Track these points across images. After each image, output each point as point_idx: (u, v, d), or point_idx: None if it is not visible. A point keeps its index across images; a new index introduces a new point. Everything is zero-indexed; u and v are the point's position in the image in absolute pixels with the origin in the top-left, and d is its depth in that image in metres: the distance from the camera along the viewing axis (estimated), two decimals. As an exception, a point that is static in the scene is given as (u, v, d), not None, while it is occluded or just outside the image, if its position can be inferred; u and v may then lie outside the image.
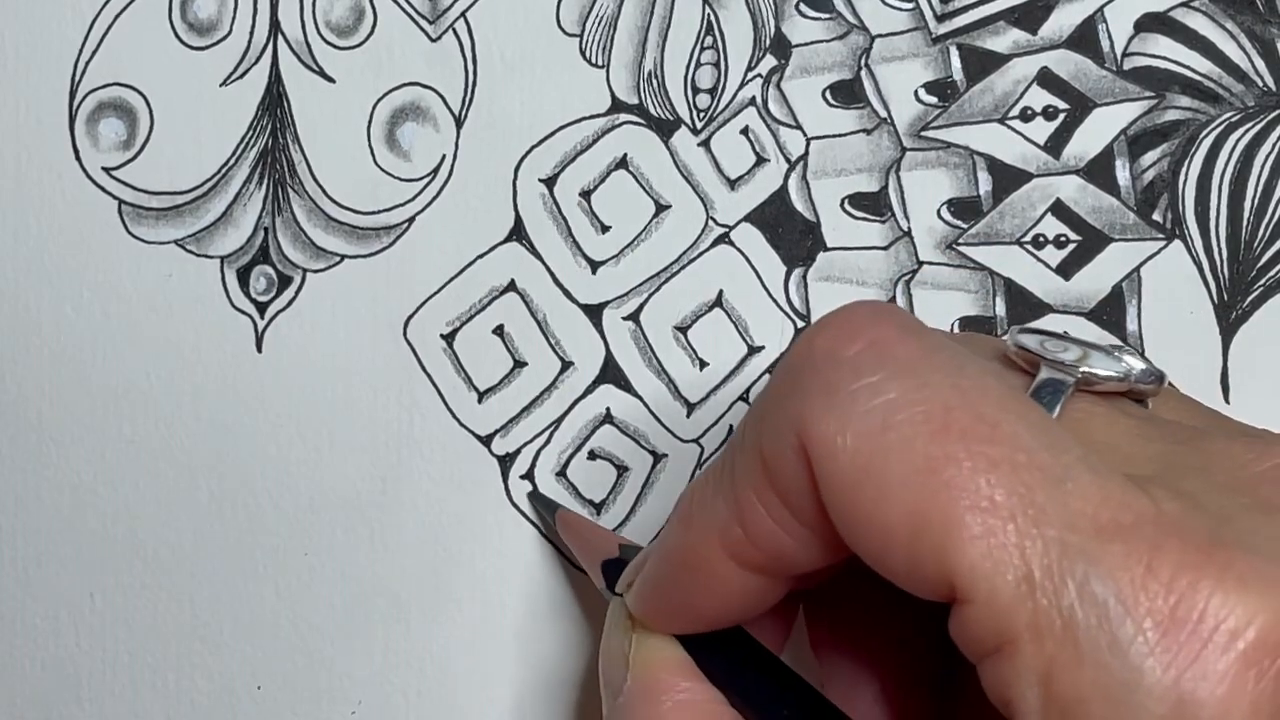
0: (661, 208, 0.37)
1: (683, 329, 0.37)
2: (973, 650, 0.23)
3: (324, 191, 0.37)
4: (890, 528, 0.23)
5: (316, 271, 0.37)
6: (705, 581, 0.26)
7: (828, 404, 0.23)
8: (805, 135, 0.36)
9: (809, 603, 0.30)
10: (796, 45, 0.36)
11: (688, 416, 0.36)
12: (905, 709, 0.29)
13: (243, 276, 0.37)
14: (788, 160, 0.36)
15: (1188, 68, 0.35)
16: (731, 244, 0.36)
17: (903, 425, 0.23)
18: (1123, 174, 0.35)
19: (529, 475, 0.37)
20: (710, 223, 0.36)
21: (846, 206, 0.36)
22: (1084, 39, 0.35)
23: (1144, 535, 0.21)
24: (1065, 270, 0.35)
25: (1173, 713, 0.21)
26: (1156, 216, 0.35)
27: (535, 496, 0.36)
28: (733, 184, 0.36)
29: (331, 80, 0.37)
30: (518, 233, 0.37)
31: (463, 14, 0.37)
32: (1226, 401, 0.35)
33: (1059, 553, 0.21)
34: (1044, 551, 0.21)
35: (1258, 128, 0.35)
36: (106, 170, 0.37)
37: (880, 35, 0.36)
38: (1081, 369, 0.25)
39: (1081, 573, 0.21)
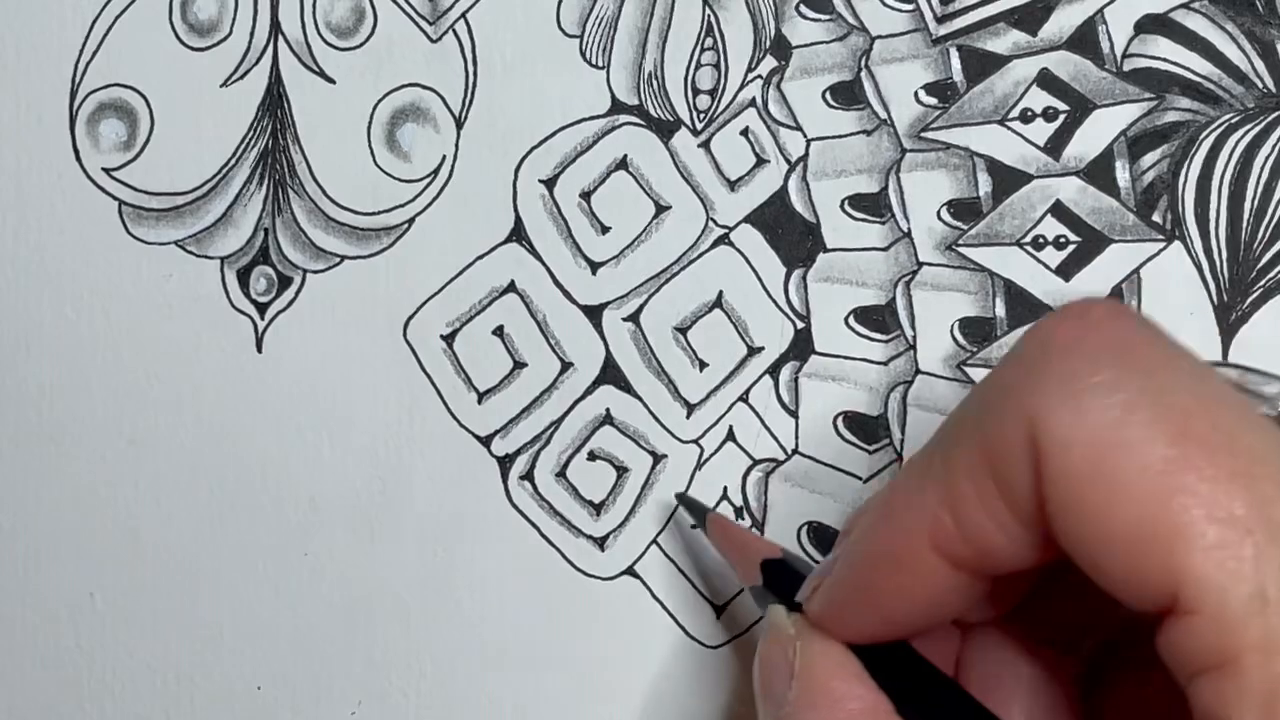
0: (661, 208, 0.37)
1: (683, 330, 0.37)
2: (1187, 664, 0.22)
3: (324, 192, 0.37)
4: (1116, 529, 0.22)
5: (316, 272, 0.37)
6: (905, 579, 0.25)
7: (1064, 396, 0.23)
8: (805, 136, 0.36)
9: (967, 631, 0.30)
10: (796, 46, 0.36)
11: (688, 417, 0.36)
12: None
13: (243, 277, 0.37)
14: (788, 161, 0.36)
15: (1188, 69, 0.35)
16: (731, 245, 0.36)
17: (1141, 425, 0.22)
18: (1123, 175, 0.35)
19: (529, 476, 0.37)
20: (710, 224, 0.36)
21: (846, 207, 0.36)
22: (1084, 40, 0.35)
23: None
24: (1065, 271, 0.35)
25: None
26: (1156, 218, 0.35)
27: (684, 498, 0.36)
28: (733, 185, 0.36)
29: (332, 81, 0.37)
30: (518, 233, 0.37)
31: (463, 15, 0.37)
32: (1226, 403, 0.35)
33: None
34: None
35: (1257, 129, 0.35)
36: (107, 171, 0.37)
37: (880, 36, 0.36)
38: None
39: None
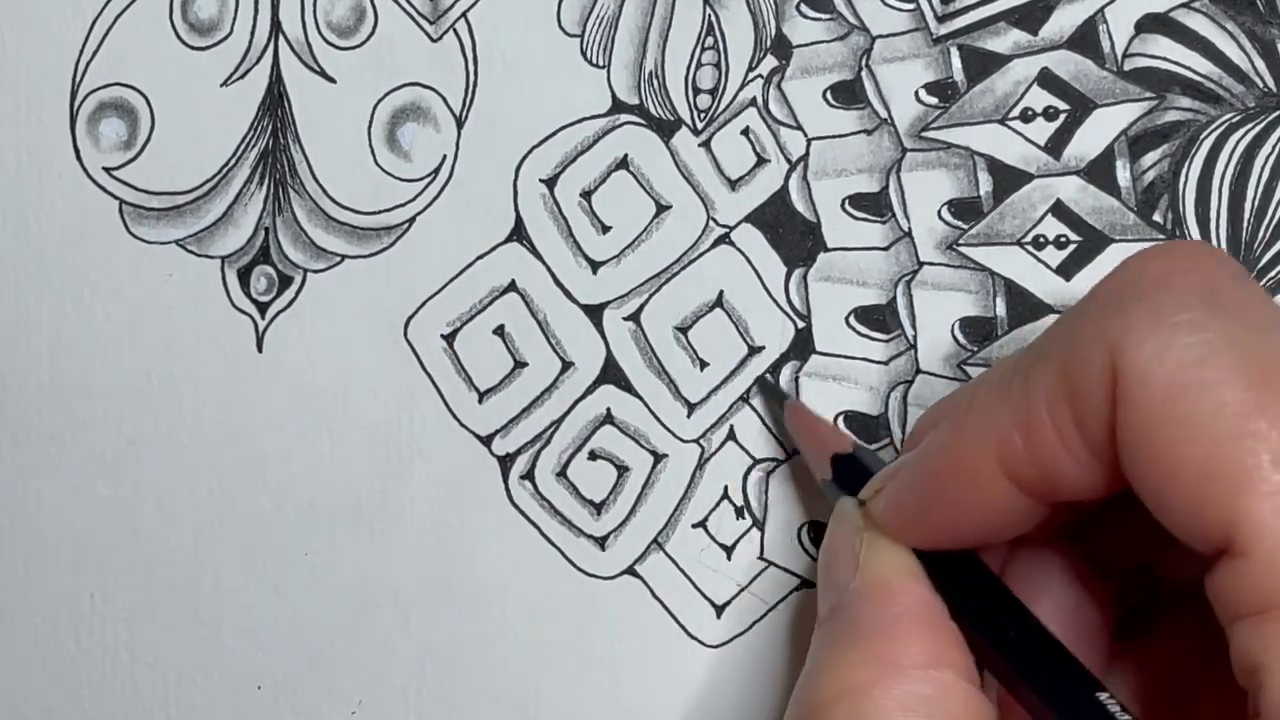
0: (662, 208, 0.37)
1: (683, 329, 0.37)
2: (1233, 607, 0.22)
3: (324, 192, 0.37)
4: (1183, 465, 0.22)
5: (317, 271, 0.37)
6: (969, 495, 0.26)
7: (1150, 328, 0.23)
8: (806, 136, 0.36)
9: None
10: (797, 46, 0.36)
11: (688, 416, 0.36)
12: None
13: (243, 276, 0.37)
14: (788, 161, 0.36)
15: (1188, 68, 0.35)
16: (732, 244, 0.36)
17: (1222, 366, 0.22)
18: (1123, 175, 0.35)
19: (529, 475, 0.37)
20: (711, 223, 0.36)
21: (847, 207, 0.36)
22: (1085, 40, 0.35)
23: None
24: (1066, 271, 0.35)
25: None
26: (1157, 217, 0.35)
27: (763, 383, 0.36)
28: (733, 184, 0.36)
29: (332, 80, 0.37)
30: (518, 233, 0.37)
31: (464, 14, 0.37)
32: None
33: None
34: None
35: (1258, 129, 0.35)
36: (107, 170, 0.37)
37: (881, 36, 0.36)
38: None
39: None
